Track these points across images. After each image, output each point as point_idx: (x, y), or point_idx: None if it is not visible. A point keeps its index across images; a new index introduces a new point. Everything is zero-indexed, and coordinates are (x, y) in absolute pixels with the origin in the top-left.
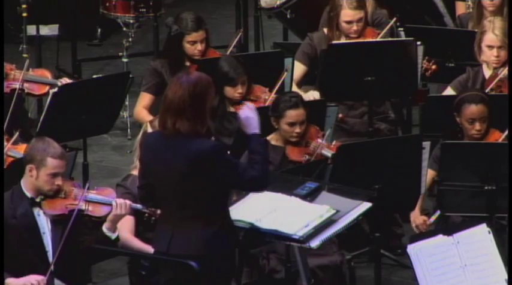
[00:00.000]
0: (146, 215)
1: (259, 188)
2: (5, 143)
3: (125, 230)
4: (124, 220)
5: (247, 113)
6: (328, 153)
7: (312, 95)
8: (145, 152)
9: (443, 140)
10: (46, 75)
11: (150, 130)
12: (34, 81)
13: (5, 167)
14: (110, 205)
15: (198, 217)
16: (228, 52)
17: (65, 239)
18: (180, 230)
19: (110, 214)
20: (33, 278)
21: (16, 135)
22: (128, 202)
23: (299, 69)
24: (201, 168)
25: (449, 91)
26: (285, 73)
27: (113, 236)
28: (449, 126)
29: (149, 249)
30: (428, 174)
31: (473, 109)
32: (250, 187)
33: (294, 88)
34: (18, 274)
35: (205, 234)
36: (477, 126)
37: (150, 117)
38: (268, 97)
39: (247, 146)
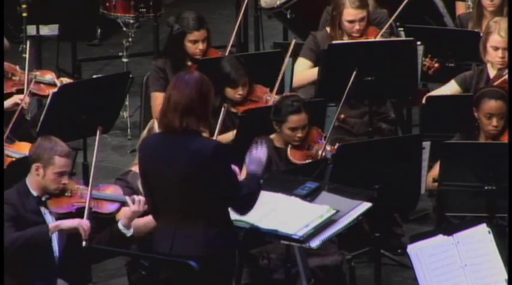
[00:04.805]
0: None
1: (244, 207)
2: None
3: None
4: (123, 210)
5: (261, 154)
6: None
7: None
8: (144, 155)
9: (446, 139)
10: (52, 76)
11: (156, 127)
12: (41, 82)
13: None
14: (117, 201)
15: (200, 216)
16: (227, 52)
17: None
18: (181, 231)
19: (128, 211)
20: (84, 222)
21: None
22: (142, 198)
23: (305, 65)
24: (204, 166)
25: (452, 84)
26: (286, 61)
27: (128, 233)
28: (450, 126)
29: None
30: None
31: (492, 104)
32: (242, 200)
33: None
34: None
35: (207, 234)
36: (494, 121)
37: None
38: (269, 97)
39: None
